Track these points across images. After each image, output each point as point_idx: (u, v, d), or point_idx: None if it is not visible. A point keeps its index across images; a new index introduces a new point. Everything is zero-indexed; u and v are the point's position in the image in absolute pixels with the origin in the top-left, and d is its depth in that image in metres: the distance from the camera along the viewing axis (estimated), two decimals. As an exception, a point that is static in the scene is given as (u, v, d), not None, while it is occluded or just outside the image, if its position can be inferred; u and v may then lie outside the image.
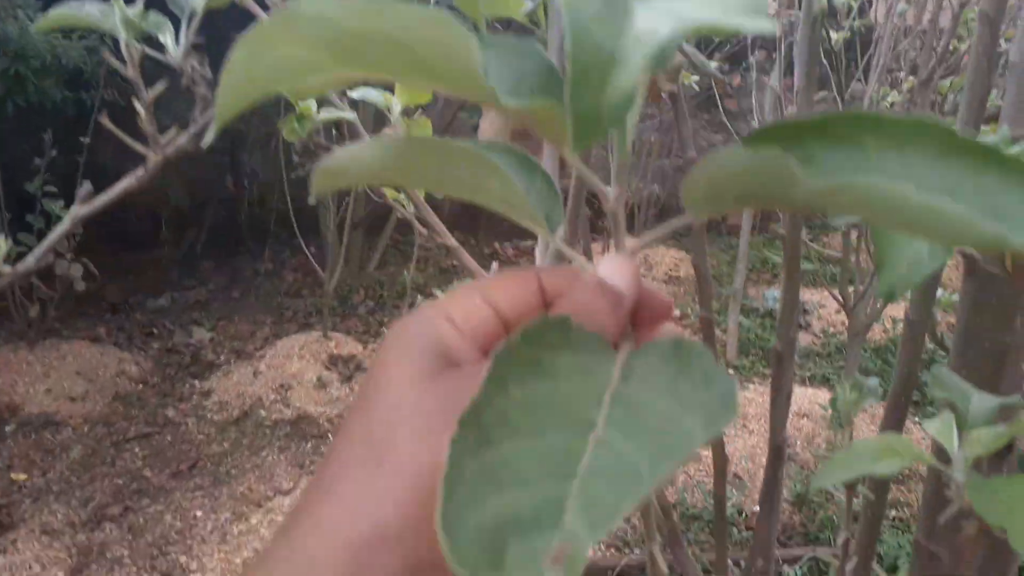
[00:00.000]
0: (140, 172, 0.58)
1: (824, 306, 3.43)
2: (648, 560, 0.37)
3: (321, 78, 0.24)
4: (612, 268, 0.29)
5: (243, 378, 2.82)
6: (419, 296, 3.13)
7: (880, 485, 0.69)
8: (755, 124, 2.98)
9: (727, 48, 3.59)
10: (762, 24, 0.20)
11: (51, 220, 2.89)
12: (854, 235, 1.77)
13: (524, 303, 0.30)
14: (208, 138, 0.23)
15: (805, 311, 3.45)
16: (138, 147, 0.58)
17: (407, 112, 0.91)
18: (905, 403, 0.70)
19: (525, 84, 0.29)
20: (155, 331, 3.27)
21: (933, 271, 0.38)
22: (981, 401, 0.46)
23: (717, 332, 3.42)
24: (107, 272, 3.55)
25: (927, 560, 0.63)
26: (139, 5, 0.59)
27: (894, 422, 0.68)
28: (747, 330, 3.26)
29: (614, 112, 0.20)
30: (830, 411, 2.50)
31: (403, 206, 0.96)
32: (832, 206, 0.24)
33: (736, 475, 2.28)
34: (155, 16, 0.57)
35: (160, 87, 0.57)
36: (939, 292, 0.77)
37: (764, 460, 2.31)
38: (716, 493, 0.71)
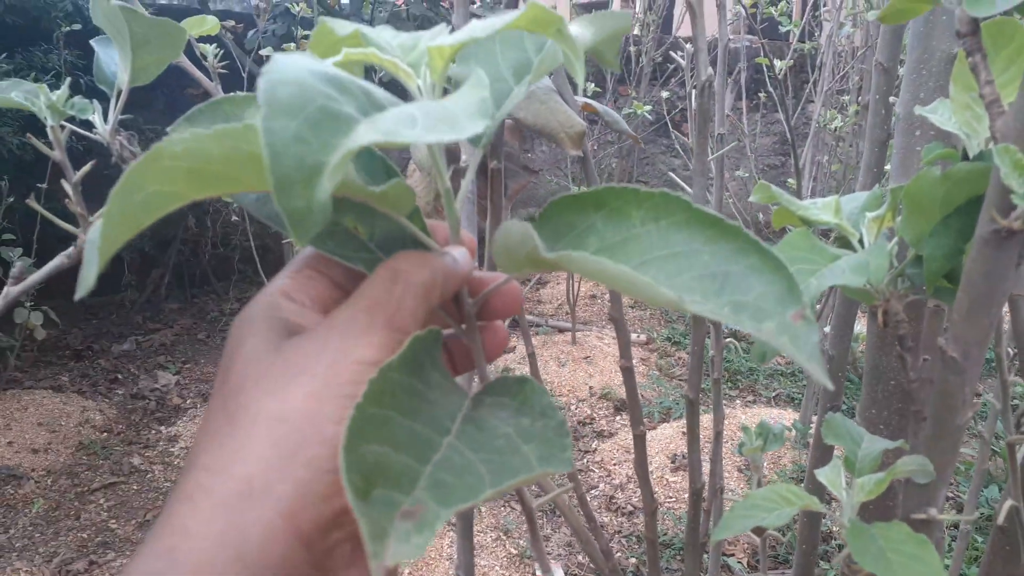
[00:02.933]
0: (71, 251, 0.59)
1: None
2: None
3: (180, 203, 0.27)
4: (455, 249, 0.33)
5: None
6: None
7: (812, 518, 0.72)
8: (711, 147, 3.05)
9: (678, 76, 3.67)
10: (471, 129, 0.24)
11: (9, 267, 2.87)
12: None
13: (356, 273, 0.33)
14: (84, 288, 0.24)
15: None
16: (68, 227, 0.59)
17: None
18: (825, 461, 0.72)
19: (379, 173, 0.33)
20: (120, 377, 3.24)
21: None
22: (870, 445, 0.49)
23: (681, 354, 3.46)
24: (69, 318, 3.52)
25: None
26: (65, 86, 0.61)
27: (820, 457, 0.71)
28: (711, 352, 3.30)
29: (322, 209, 0.23)
30: (794, 432, 2.54)
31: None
32: (573, 270, 0.29)
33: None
34: (80, 101, 0.58)
35: (87, 167, 0.59)
36: (857, 328, 0.80)
37: (730, 483, 2.33)
38: (647, 535, 0.74)
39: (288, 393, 0.27)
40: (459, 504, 0.24)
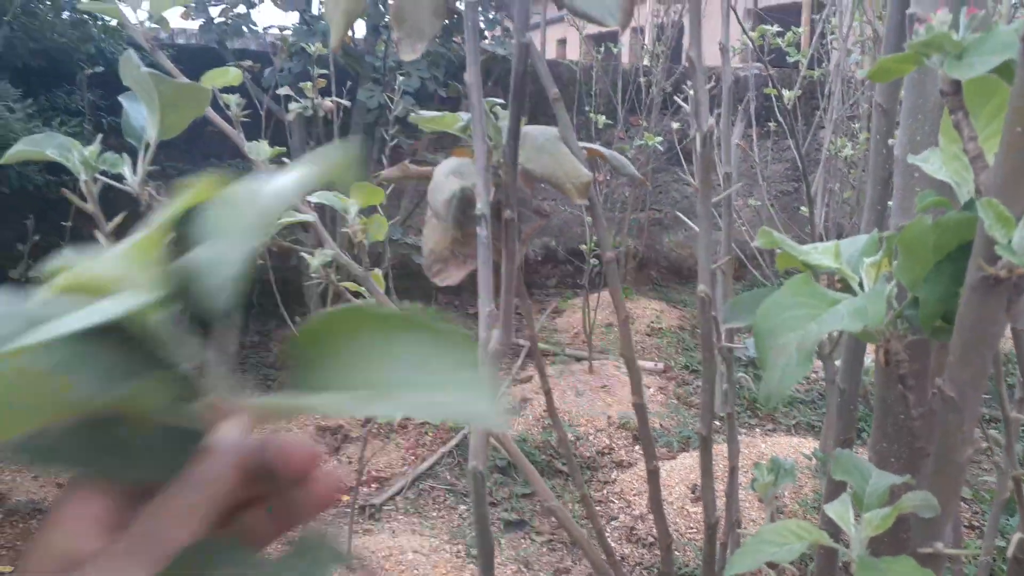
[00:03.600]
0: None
1: (804, 350, 3.46)
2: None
3: None
4: (224, 430, 0.31)
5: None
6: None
7: (829, 552, 0.73)
8: (721, 175, 3.06)
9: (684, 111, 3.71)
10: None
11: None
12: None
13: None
14: None
15: (785, 356, 3.48)
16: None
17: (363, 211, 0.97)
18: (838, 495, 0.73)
19: None
20: (142, 410, 3.27)
21: (800, 378, 0.43)
22: (877, 481, 0.50)
23: (700, 383, 3.45)
24: (93, 354, 3.56)
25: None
26: (97, 142, 0.64)
27: (834, 491, 0.72)
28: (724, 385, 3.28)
29: None
30: (814, 460, 2.52)
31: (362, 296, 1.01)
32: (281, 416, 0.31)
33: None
34: (112, 156, 0.62)
35: (119, 219, 0.62)
36: (868, 360, 0.81)
37: (751, 512, 2.31)
38: (663, 570, 0.75)
39: None
40: None
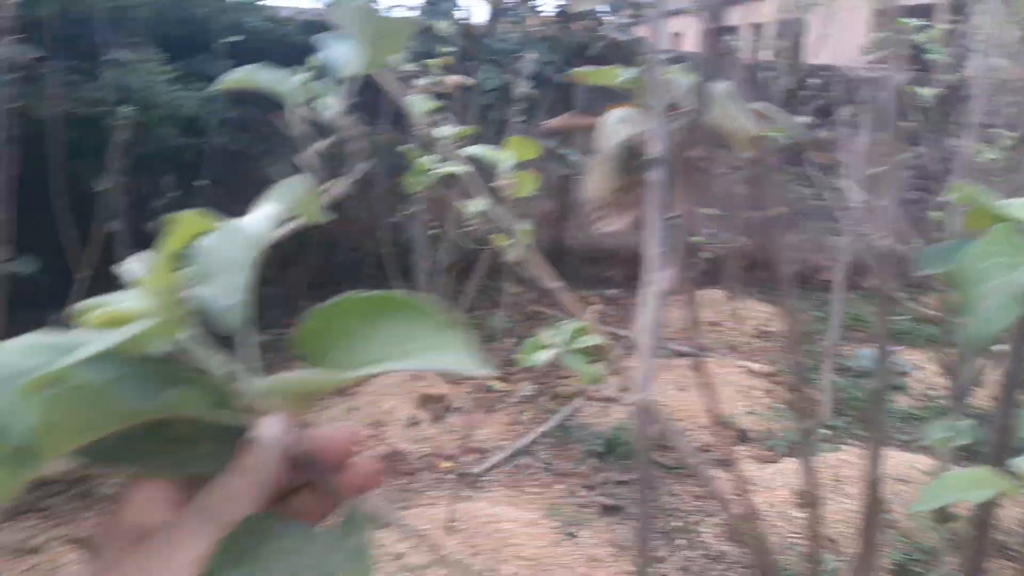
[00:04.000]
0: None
1: (923, 368, 3.32)
2: None
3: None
4: (265, 425, 0.35)
5: (339, 414, 2.93)
6: (508, 340, 3.20)
7: (981, 526, 0.71)
8: (843, 177, 2.95)
9: (815, 102, 3.60)
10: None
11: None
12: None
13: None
14: None
15: (903, 372, 3.35)
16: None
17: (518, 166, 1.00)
18: (1003, 454, 0.71)
19: None
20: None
21: (1005, 325, 0.42)
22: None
23: (806, 388, 3.35)
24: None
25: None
26: (307, 74, 0.69)
27: (999, 453, 0.70)
28: (841, 389, 3.17)
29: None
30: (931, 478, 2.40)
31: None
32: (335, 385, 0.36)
33: (830, 539, 2.19)
34: (322, 84, 0.67)
35: (325, 142, 0.67)
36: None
37: (860, 523, 2.24)
38: (810, 551, 0.74)
39: None
40: None
